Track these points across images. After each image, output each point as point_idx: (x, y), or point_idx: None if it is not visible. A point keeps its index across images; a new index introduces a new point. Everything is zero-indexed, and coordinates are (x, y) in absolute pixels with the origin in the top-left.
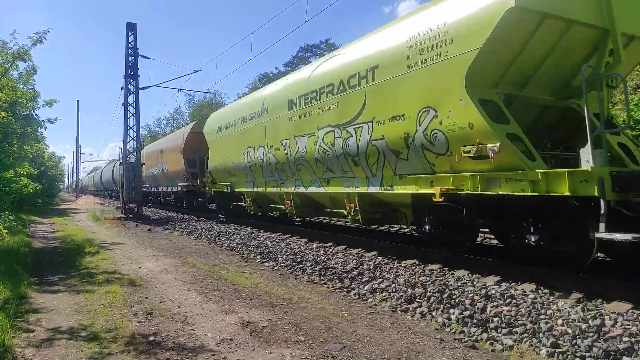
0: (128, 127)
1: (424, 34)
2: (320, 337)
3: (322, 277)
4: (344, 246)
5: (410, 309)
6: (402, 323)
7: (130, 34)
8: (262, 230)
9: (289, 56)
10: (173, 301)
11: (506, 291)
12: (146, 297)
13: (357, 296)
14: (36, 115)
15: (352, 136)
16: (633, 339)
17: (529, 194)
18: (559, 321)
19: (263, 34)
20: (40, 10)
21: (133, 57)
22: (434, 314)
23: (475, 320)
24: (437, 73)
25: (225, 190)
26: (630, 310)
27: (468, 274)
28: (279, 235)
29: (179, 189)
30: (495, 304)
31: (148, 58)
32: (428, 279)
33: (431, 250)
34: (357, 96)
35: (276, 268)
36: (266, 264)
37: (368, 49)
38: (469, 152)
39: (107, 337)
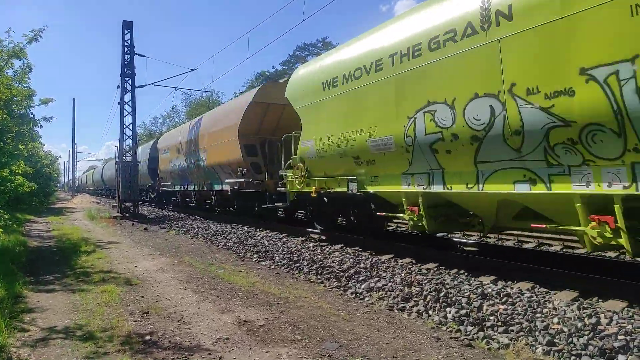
0: (124, 126)
1: None
2: (317, 336)
3: (319, 276)
4: (340, 245)
5: (407, 307)
6: (398, 322)
7: (126, 32)
8: (259, 229)
9: (286, 55)
10: (169, 300)
11: (502, 290)
12: (142, 297)
13: (354, 295)
14: (32, 113)
15: None
16: (628, 337)
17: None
18: (555, 319)
19: (260, 33)
20: (35, 7)
21: (129, 56)
22: (430, 312)
23: (471, 319)
24: None
25: (342, 190)
26: (626, 309)
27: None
28: (276, 234)
29: (228, 187)
30: (491, 302)
31: (144, 56)
32: (424, 277)
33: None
34: None
35: (273, 267)
36: (263, 262)
37: None
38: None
39: (102, 336)
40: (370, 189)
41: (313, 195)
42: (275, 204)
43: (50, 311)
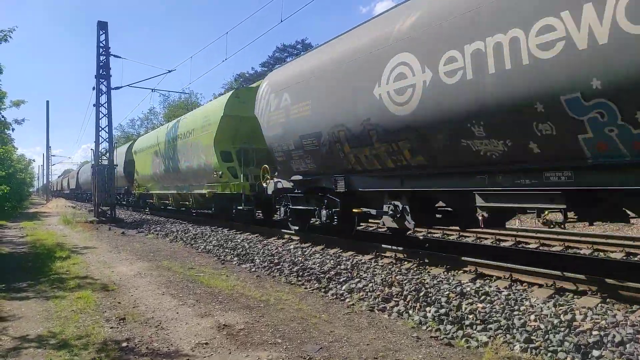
0: (100, 128)
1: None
2: (297, 339)
3: (299, 278)
4: (321, 246)
5: (387, 308)
6: (379, 322)
7: (101, 32)
8: (239, 232)
9: (265, 56)
10: (147, 306)
11: (481, 288)
12: (119, 302)
13: (335, 296)
14: (2, 116)
15: None
16: (602, 333)
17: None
18: (532, 317)
19: (238, 34)
20: (6, 7)
21: (105, 57)
22: (410, 312)
23: (450, 318)
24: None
25: None
26: (600, 305)
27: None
28: (256, 236)
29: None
30: (470, 301)
31: (120, 57)
32: (405, 277)
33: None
34: None
35: (253, 270)
36: (243, 265)
37: None
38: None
39: (77, 344)
40: None
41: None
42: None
43: (23, 319)
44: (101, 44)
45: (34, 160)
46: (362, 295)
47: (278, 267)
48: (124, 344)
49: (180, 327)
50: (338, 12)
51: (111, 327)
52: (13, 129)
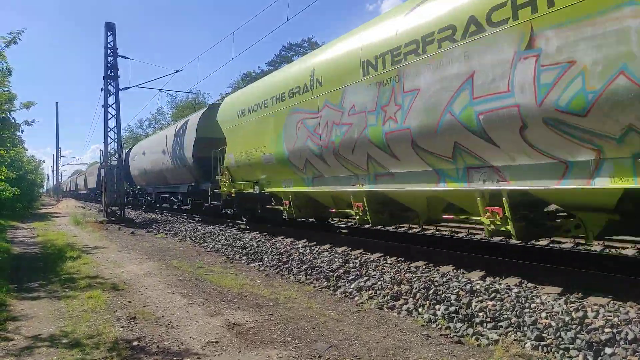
0: (109, 129)
1: None
2: (307, 337)
3: (308, 277)
4: (329, 245)
5: (397, 306)
6: (388, 320)
7: (109, 34)
8: (247, 231)
9: (271, 55)
10: (157, 305)
11: (491, 286)
12: (129, 302)
13: (344, 295)
14: (13, 117)
15: None
16: (614, 330)
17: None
18: (543, 314)
19: (245, 33)
20: (15, 9)
21: (112, 58)
22: (420, 310)
23: (460, 316)
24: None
25: (250, 191)
26: (612, 302)
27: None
28: (265, 235)
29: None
30: (480, 298)
31: (128, 58)
32: (414, 275)
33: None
34: None
35: (262, 268)
36: (252, 264)
37: None
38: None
39: (89, 343)
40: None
41: (232, 195)
42: (212, 202)
43: (35, 319)
44: (109, 45)
45: (43, 161)
46: (371, 294)
47: (287, 265)
48: (135, 343)
49: (190, 325)
50: (344, 10)
51: (122, 326)
52: (22, 131)
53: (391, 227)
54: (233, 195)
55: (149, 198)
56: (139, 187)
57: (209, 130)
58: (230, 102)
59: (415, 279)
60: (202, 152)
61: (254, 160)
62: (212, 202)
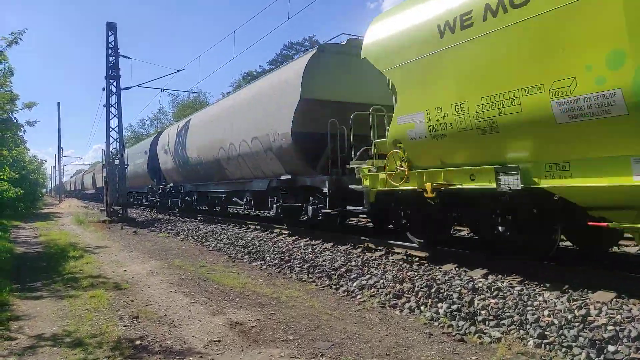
0: (110, 129)
1: None
2: (309, 336)
3: (310, 275)
4: (331, 243)
5: (399, 304)
6: (390, 319)
7: (110, 33)
8: (249, 230)
9: (272, 54)
10: (160, 304)
11: (493, 284)
12: (132, 301)
13: (346, 293)
14: (15, 118)
15: None
16: (617, 328)
17: None
18: (546, 312)
19: (246, 32)
20: (17, 9)
21: (114, 58)
22: (422, 308)
23: (463, 314)
24: None
25: (482, 186)
26: (615, 299)
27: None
28: (266, 234)
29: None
30: (482, 297)
31: (129, 58)
32: (416, 273)
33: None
34: None
35: (264, 267)
36: (254, 263)
37: None
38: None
39: (92, 342)
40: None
41: (429, 195)
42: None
43: (38, 318)
44: (110, 45)
45: (45, 161)
46: (373, 292)
47: (289, 264)
48: (138, 342)
49: (192, 324)
50: (346, 8)
51: (125, 326)
52: (24, 131)
53: None
54: (430, 194)
55: (187, 198)
56: (170, 184)
57: (320, 89)
58: (406, 15)
59: (417, 277)
60: (305, 126)
61: (509, 118)
62: (334, 206)
